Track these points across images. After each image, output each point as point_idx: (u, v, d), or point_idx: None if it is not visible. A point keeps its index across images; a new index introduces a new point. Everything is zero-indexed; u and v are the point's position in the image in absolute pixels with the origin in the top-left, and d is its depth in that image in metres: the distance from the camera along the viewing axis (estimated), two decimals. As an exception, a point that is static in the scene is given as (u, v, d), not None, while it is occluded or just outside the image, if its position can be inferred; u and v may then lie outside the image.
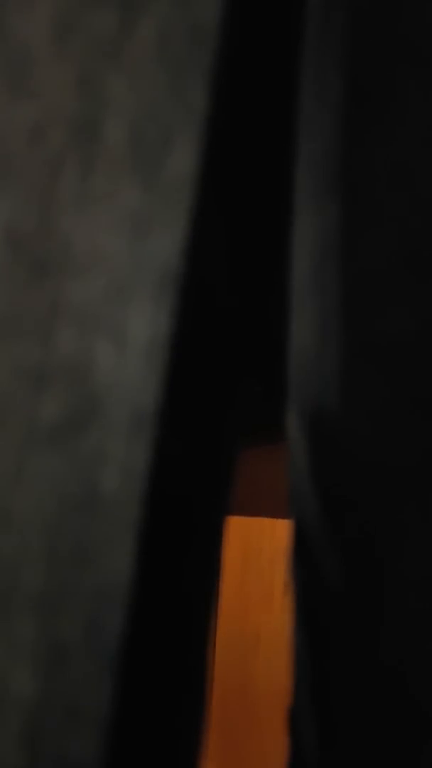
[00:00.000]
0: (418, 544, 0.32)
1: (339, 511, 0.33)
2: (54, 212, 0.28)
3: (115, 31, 0.28)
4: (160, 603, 0.29)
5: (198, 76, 0.28)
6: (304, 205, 0.34)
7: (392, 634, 0.32)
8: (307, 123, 0.34)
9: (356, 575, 0.33)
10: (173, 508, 0.29)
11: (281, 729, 0.79)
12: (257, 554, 0.85)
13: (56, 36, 0.28)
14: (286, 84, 0.33)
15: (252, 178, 0.32)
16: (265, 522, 0.84)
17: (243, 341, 0.33)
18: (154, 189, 0.28)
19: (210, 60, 0.28)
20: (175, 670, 0.30)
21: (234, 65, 0.29)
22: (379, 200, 0.32)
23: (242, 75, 0.30)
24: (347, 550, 0.33)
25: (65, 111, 0.28)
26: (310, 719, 0.35)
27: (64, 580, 0.27)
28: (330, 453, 0.33)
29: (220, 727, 0.80)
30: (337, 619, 0.34)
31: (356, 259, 0.33)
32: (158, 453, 0.28)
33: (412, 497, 0.32)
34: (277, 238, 0.34)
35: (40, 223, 0.28)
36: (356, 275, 0.33)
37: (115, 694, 0.27)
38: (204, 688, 0.32)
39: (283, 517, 0.83)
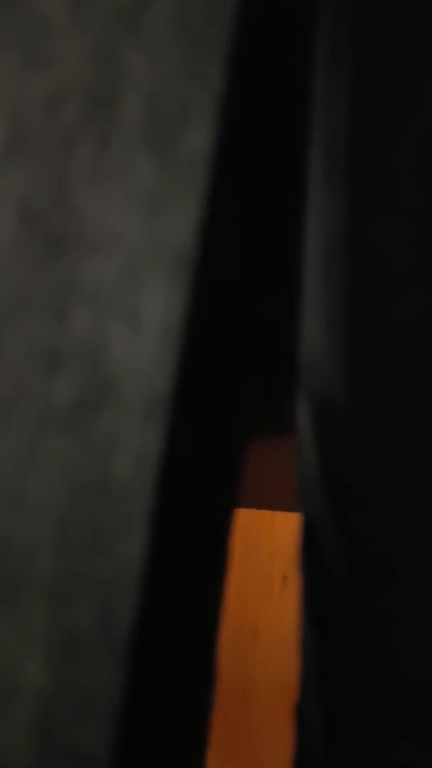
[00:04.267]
0: (427, 537, 0.32)
1: (347, 503, 0.33)
2: (68, 187, 0.27)
3: (132, 2, 0.27)
4: (170, 590, 0.29)
5: (215, 52, 0.27)
6: (315, 193, 0.33)
7: (400, 627, 0.32)
8: (319, 109, 0.33)
9: (365, 568, 0.33)
10: (185, 495, 0.29)
11: (281, 722, 0.79)
12: (256, 548, 0.84)
13: (73, 6, 0.27)
14: (303, 62, 0.32)
15: (267, 157, 0.31)
16: (265, 515, 0.84)
17: (255, 327, 0.32)
18: (170, 166, 0.27)
19: (227, 36, 0.28)
20: (184, 659, 0.30)
21: (251, 42, 0.29)
22: (389, 188, 0.32)
23: (259, 52, 0.30)
24: (355, 542, 0.33)
25: (81, 83, 0.27)
26: (316, 714, 0.35)
27: (75, 567, 0.26)
28: (339, 445, 0.33)
29: (219, 719, 0.80)
30: (345, 612, 0.33)
31: (367, 247, 0.32)
32: (171, 438, 0.27)
33: (422, 490, 0.32)
34: (289, 224, 0.34)
35: (54, 198, 0.27)
36: (367, 264, 0.32)
37: (127, 683, 0.26)
38: (211, 679, 0.32)
39: (283, 510, 0.83)
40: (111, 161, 0.27)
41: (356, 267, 0.32)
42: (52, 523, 0.27)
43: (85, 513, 0.27)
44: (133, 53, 0.27)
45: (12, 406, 0.27)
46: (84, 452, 0.27)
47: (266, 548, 0.82)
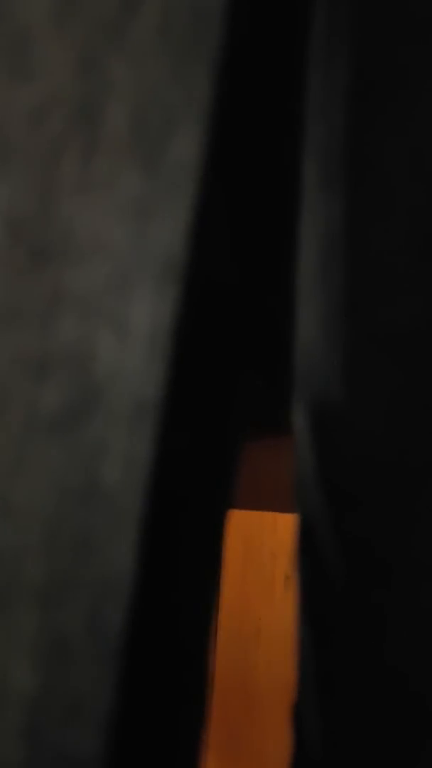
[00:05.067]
0: (424, 538, 0.32)
1: (344, 504, 0.33)
2: (55, 198, 0.27)
3: (117, 12, 0.27)
4: (161, 595, 0.29)
5: (202, 60, 0.27)
6: (311, 194, 0.33)
7: (396, 629, 0.32)
8: (315, 109, 0.33)
9: (361, 569, 0.33)
10: (175, 500, 0.29)
11: (282, 722, 0.79)
12: (258, 548, 0.84)
13: (57, 17, 0.28)
14: (293, 69, 0.32)
15: (257, 165, 0.31)
16: (267, 516, 0.84)
17: (247, 332, 0.33)
18: (157, 175, 0.27)
19: (214, 44, 0.28)
20: (176, 663, 0.30)
21: (239, 49, 0.29)
22: (388, 187, 0.32)
23: (247, 59, 0.30)
24: (352, 544, 0.33)
25: (66, 94, 0.27)
26: (314, 714, 0.35)
27: (65, 572, 0.27)
28: (336, 446, 0.33)
29: (220, 719, 0.80)
30: (342, 613, 0.33)
31: (365, 247, 0.32)
32: (161, 444, 0.27)
33: (419, 491, 0.32)
34: (283, 226, 0.34)
35: (40, 208, 0.27)
36: (365, 264, 0.32)
37: (117, 687, 0.26)
38: (205, 682, 0.32)
39: (285, 512, 0.82)
40: (97, 171, 0.27)
41: (353, 267, 0.32)
42: (41, 528, 0.27)
43: (74, 518, 0.27)
44: (119, 63, 0.27)
45: (0, 414, 0.27)
46: (72, 458, 0.27)
47: (268, 549, 0.83)
